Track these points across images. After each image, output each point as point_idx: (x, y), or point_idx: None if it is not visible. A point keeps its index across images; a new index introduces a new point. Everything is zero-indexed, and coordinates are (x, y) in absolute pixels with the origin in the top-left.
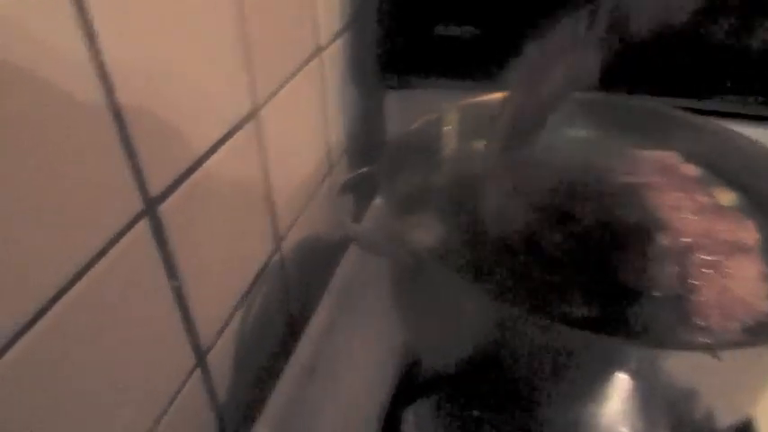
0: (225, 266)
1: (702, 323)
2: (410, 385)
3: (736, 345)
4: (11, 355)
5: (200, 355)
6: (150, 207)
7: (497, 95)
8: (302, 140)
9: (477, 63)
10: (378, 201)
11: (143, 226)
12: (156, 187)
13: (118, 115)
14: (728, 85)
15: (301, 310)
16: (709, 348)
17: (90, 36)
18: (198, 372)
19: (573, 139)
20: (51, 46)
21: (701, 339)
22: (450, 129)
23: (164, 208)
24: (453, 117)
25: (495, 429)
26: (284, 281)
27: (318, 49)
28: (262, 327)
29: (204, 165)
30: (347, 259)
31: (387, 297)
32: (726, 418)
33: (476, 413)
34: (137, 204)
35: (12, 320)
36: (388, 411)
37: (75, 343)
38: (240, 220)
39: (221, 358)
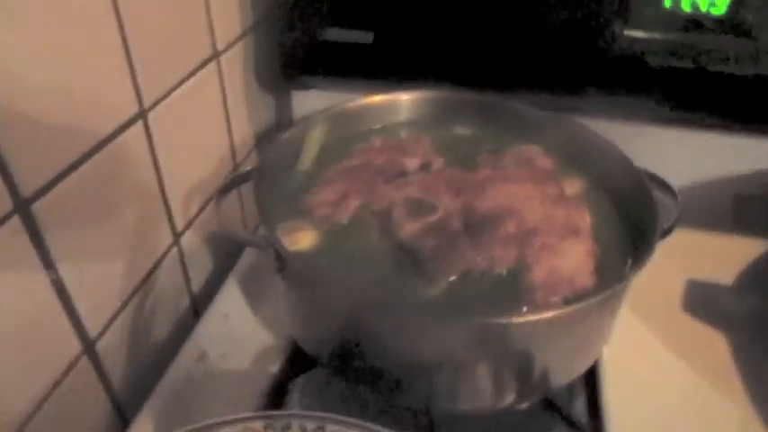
0: (113, 260)
1: (530, 297)
2: (294, 365)
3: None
4: None
5: (88, 343)
6: (22, 206)
7: (370, 100)
8: (201, 141)
9: (367, 66)
10: None
11: (15, 223)
12: (28, 188)
13: None
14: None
15: (205, 300)
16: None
17: None
18: (85, 359)
19: (459, 136)
20: None
21: (527, 311)
22: (316, 136)
23: (37, 207)
24: (321, 124)
25: (364, 400)
26: (185, 273)
27: (215, 54)
28: (160, 316)
29: (84, 166)
30: (249, 249)
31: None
32: (568, 372)
33: (352, 388)
34: (6, 204)
35: None
36: (273, 389)
37: None
38: (129, 217)
39: (114, 345)
